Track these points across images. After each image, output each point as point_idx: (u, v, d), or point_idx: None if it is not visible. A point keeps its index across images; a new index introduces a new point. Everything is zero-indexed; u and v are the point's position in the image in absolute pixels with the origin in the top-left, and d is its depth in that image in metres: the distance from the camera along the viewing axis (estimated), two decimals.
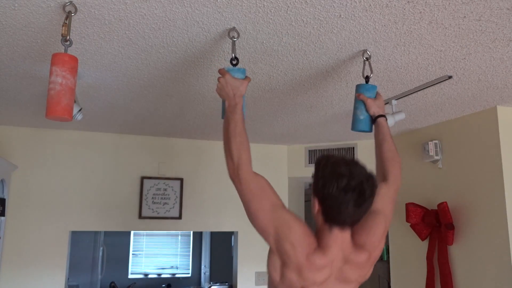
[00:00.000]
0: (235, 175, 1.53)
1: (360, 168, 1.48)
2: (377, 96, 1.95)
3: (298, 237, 1.47)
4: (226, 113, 1.63)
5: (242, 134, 1.57)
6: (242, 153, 1.54)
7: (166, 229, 4.02)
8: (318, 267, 1.47)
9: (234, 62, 1.76)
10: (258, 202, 1.50)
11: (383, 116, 1.92)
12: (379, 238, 1.62)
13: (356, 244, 1.56)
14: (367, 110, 1.93)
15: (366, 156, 3.91)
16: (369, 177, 1.47)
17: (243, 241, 4.07)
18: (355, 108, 1.98)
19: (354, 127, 1.98)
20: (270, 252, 1.51)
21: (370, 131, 1.97)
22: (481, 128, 2.94)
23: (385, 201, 1.72)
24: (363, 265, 1.57)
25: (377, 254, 1.62)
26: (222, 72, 1.68)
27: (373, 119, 1.93)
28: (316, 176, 1.51)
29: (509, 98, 2.67)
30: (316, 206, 1.50)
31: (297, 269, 1.46)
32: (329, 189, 1.43)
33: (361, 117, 1.95)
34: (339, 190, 1.42)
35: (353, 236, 1.55)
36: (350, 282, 1.56)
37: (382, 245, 1.64)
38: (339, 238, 1.49)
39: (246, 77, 1.71)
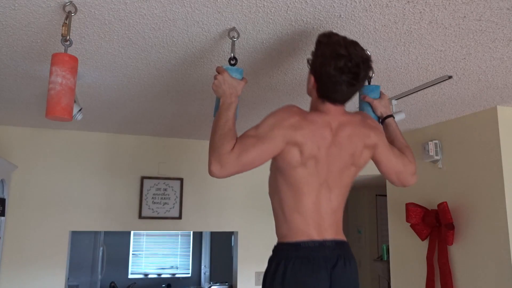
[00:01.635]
0: (216, 168, 1.45)
1: (359, 50, 1.53)
2: (381, 96, 1.94)
3: (289, 117, 1.53)
4: (219, 110, 1.60)
5: (231, 131, 1.53)
6: (225, 143, 1.47)
7: (166, 229, 4.03)
8: (319, 125, 1.55)
9: (232, 62, 1.76)
10: (248, 153, 1.47)
11: (391, 116, 1.92)
12: (361, 148, 1.65)
13: (351, 113, 1.69)
14: (373, 112, 1.92)
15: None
16: (366, 59, 1.53)
17: (243, 241, 4.07)
18: (362, 110, 1.96)
19: None
20: (283, 153, 1.52)
21: None
22: (481, 128, 2.94)
23: (384, 152, 1.72)
24: (355, 126, 1.63)
25: (371, 135, 1.66)
26: (220, 70, 1.66)
27: (381, 120, 1.92)
28: (315, 53, 1.56)
29: (509, 98, 2.67)
30: (311, 82, 1.59)
31: (308, 136, 1.52)
32: (327, 67, 1.50)
33: None
34: (336, 70, 1.49)
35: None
36: (347, 147, 1.60)
37: (364, 159, 1.67)
38: (332, 108, 1.60)
39: (243, 78, 1.69)
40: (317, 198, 1.58)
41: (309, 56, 1.60)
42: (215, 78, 1.66)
